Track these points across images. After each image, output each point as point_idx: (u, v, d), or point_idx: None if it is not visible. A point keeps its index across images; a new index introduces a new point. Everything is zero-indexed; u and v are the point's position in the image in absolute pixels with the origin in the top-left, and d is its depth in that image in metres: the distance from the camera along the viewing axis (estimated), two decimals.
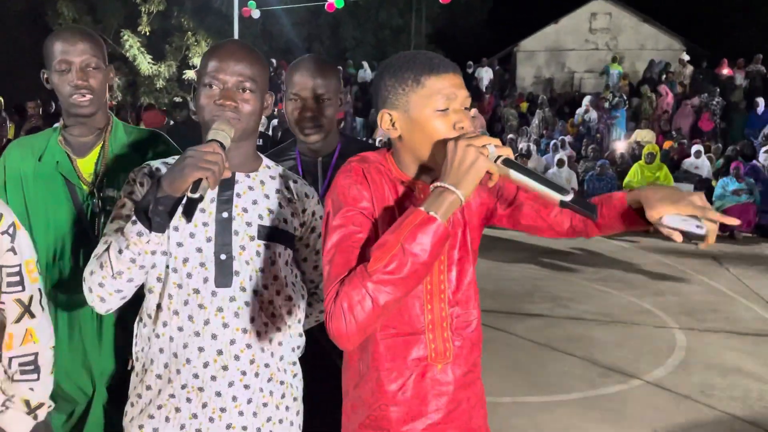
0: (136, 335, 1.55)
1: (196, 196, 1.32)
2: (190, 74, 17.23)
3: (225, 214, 1.49)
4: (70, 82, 1.81)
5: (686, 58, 16.17)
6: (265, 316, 1.52)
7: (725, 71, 15.27)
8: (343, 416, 1.50)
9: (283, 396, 1.57)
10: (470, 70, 16.94)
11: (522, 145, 11.75)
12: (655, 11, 19.97)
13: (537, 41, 20.57)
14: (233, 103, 1.45)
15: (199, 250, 1.47)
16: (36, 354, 1.48)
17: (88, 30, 1.92)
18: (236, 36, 14.43)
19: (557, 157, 10.80)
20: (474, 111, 12.20)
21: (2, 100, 8.24)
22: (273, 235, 1.52)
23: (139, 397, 1.53)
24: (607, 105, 13.96)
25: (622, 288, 6.48)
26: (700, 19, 21.97)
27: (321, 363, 1.90)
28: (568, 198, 1.18)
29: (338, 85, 1.96)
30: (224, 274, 1.47)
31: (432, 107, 1.27)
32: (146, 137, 2.00)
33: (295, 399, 1.61)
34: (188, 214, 1.33)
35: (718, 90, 14.03)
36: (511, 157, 1.22)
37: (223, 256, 1.47)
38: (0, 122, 4.94)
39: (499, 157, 1.21)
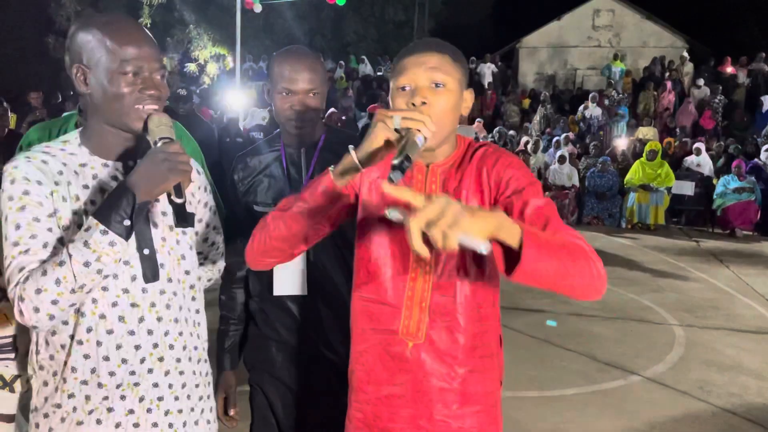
0: (38, 343, 1.43)
1: (182, 200, 1.31)
2: (192, 67, 17.17)
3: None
4: None
5: (686, 56, 16.14)
6: (189, 300, 1.53)
7: (728, 69, 15.25)
8: None
9: (207, 374, 1.61)
10: (473, 66, 16.89)
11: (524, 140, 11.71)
12: (658, 9, 19.92)
13: (540, 37, 20.52)
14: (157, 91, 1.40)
15: None
16: (14, 336, 1.44)
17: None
18: (238, 30, 14.28)
19: (559, 153, 10.78)
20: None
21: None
22: (185, 219, 1.44)
23: (57, 407, 1.41)
24: (609, 102, 13.93)
25: (622, 284, 6.49)
26: (703, 16, 21.91)
27: (315, 356, 1.92)
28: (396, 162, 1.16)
29: (325, 75, 1.95)
30: (151, 268, 1.43)
31: (395, 84, 1.38)
32: None
33: (209, 374, 1.64)
34: (185, 219, 1.33)
35: (720, 88, 14.02)
36: (415, 128, 1.22)
37: (146, 251, 1.43)
38: (1, 113, 4.92)
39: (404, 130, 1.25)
